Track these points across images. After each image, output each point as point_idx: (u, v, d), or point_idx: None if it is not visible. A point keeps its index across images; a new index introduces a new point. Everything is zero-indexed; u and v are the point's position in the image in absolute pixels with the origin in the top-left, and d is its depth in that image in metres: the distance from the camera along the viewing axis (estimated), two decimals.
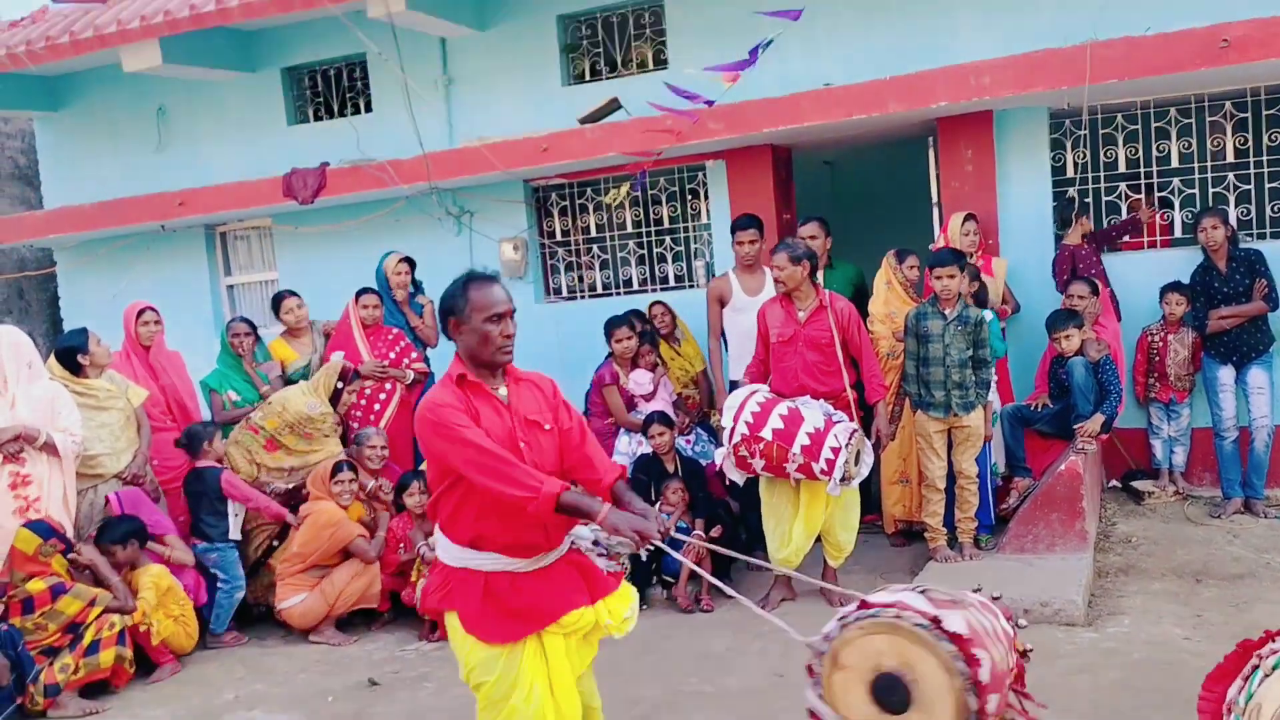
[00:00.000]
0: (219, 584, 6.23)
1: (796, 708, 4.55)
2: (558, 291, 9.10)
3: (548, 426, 3.33)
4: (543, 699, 3.27)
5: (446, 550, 3.34)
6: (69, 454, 5.79)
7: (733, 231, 6.74)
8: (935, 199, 7.95)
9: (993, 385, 6.30)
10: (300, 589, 6.16)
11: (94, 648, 5.36)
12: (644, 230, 8.77)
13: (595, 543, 3.32)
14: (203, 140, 9.91)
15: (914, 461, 6.39)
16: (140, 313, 6.91)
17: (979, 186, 7.45)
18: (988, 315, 6.55)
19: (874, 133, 7.84)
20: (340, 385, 6.77)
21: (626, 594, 3.49)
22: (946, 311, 5.98)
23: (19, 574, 5.41)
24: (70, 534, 5.67)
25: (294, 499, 6.51)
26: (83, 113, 10.35)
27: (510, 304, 3.33)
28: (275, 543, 6.50)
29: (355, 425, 6.99)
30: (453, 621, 3.30)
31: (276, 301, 7.50)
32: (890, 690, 2.66)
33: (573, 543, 3.36)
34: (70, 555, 5.54)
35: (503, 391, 3.33)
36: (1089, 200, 7.48)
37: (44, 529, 5.51)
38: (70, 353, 6.25)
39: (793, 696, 4.69)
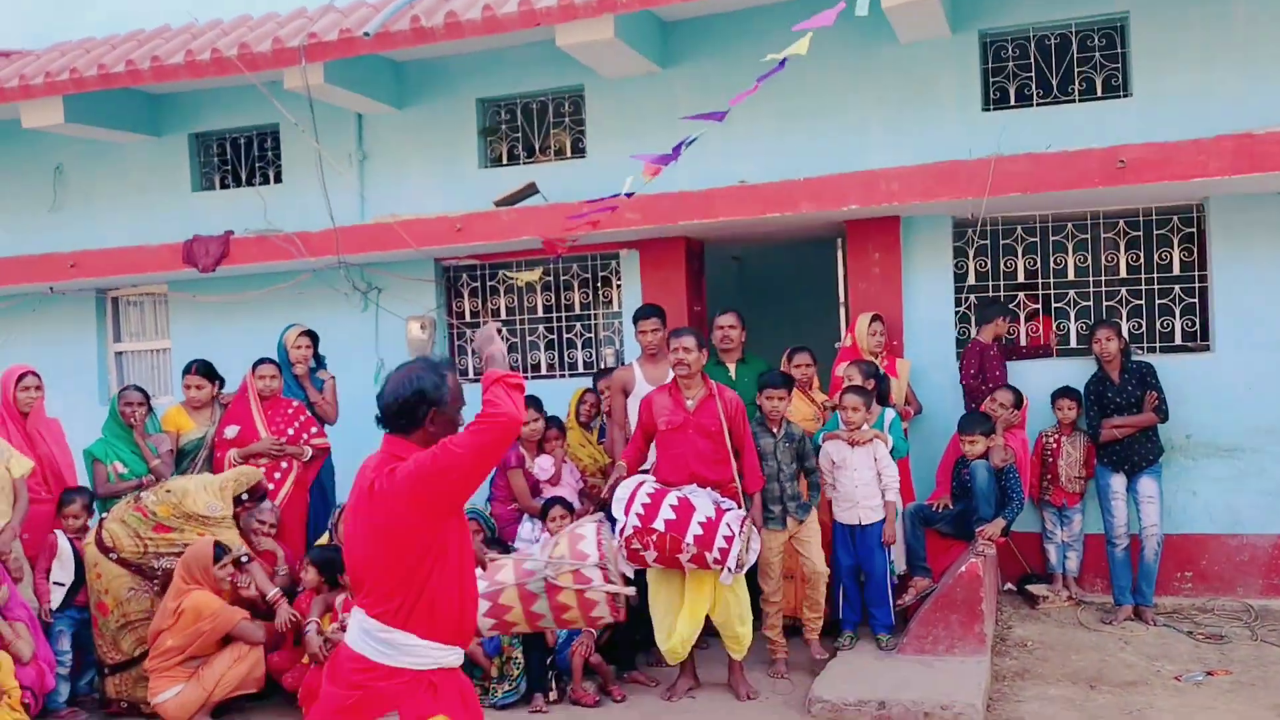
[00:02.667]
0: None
1: None
2: (464, 373, 8.96)
3: None
4: None
5: (418, 650, 3.08)
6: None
7: (635, 321, 6.76)
8: (843, 298, 8.11)
9: (897, 484, 6.37)
10: (176, 680, 5.76)
11: None
12: (554, 315, 8.73)
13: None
14: (100, 202, 9.61)
15: (796, 559, 6.41)
16: (20, 377, 6.60)
17: (885, 288, 7.63)
18: (890, 414, 6.67)
19: (786, 231, 8.00)
20: (244, 497, 6.41)
21: None
22: (775, 430, 6.21)
23: None
24: None
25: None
26: None
27: None
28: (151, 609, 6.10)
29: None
30: None
31: (189, 369, 7.11)
32: None
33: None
34: None
35: None
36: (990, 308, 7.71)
37: None
38: None
39: None
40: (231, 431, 6.84)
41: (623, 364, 7.83)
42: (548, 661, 6.01)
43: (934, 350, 7.62)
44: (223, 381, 7.21)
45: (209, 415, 7.10)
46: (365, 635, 3.08)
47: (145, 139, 9.31)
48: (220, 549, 5.93)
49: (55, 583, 6.22)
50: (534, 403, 6.83)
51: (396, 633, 3.03)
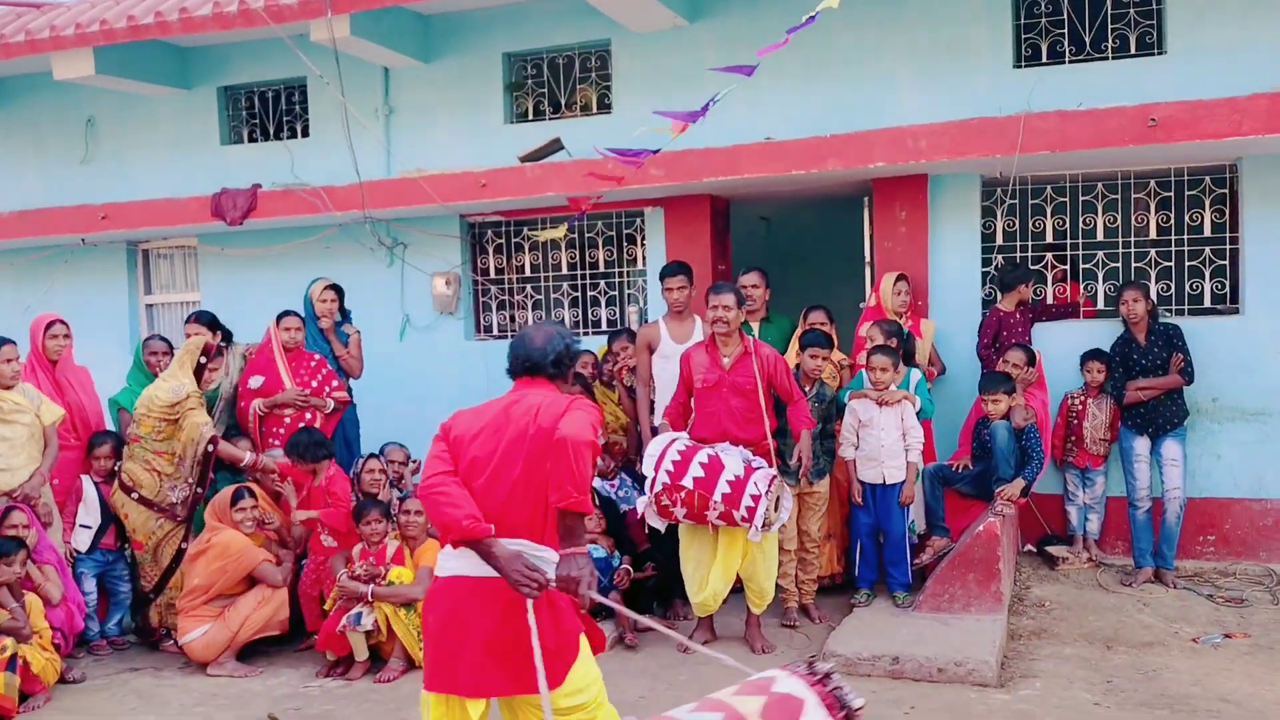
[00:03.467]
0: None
1: None
2: (488, 329, 9.01)
3: None
4: None
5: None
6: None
7: (661, 278, 6.75)
8: (868, 258, 8.06)
9: (920, 445, 6.37)
10: (203, 620, 5.92)
11: None
12: (579, 273, 8.74)
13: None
14: (131, 154, 9.69)
15: (837, 517, 6.42)
16: (49, 325, 6.67)
17: (911, 248, 7.57)
18: (916, 374, 6.65)
19: (811, 189, 7.94)
20: (204, 361, 6.51)
21: None
22: (806, 389, 6.24)
23: None
24: None
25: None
26: (7, 119, 10.07)
27: None
28: (184, 545, 6.28)
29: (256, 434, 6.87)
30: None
31: (189, 319, 7.19)
32: None
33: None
34: None
35: None
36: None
37: None
38: None
39: None
40: (256, 382, 6.91)
41: (646, 322, 7.84)
42: None
43: (959, 311, 7.56)
44: (229, 334, 7.21)
45: (225, 367, 7.08)
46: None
47: (175, 91, 9.35)
48: (239, 493, 6.04)
49: (82, 525, 6.37)
50: None
51: (545, 550, 3.35)
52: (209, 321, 7.15)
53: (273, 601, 5.99)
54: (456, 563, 3.38)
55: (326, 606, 5.99)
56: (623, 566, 6.23)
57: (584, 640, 3.50)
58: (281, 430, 6.91)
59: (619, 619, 6.11)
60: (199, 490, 6.33)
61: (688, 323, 6.62)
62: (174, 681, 5.85)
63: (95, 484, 6.46)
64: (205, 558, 5.91)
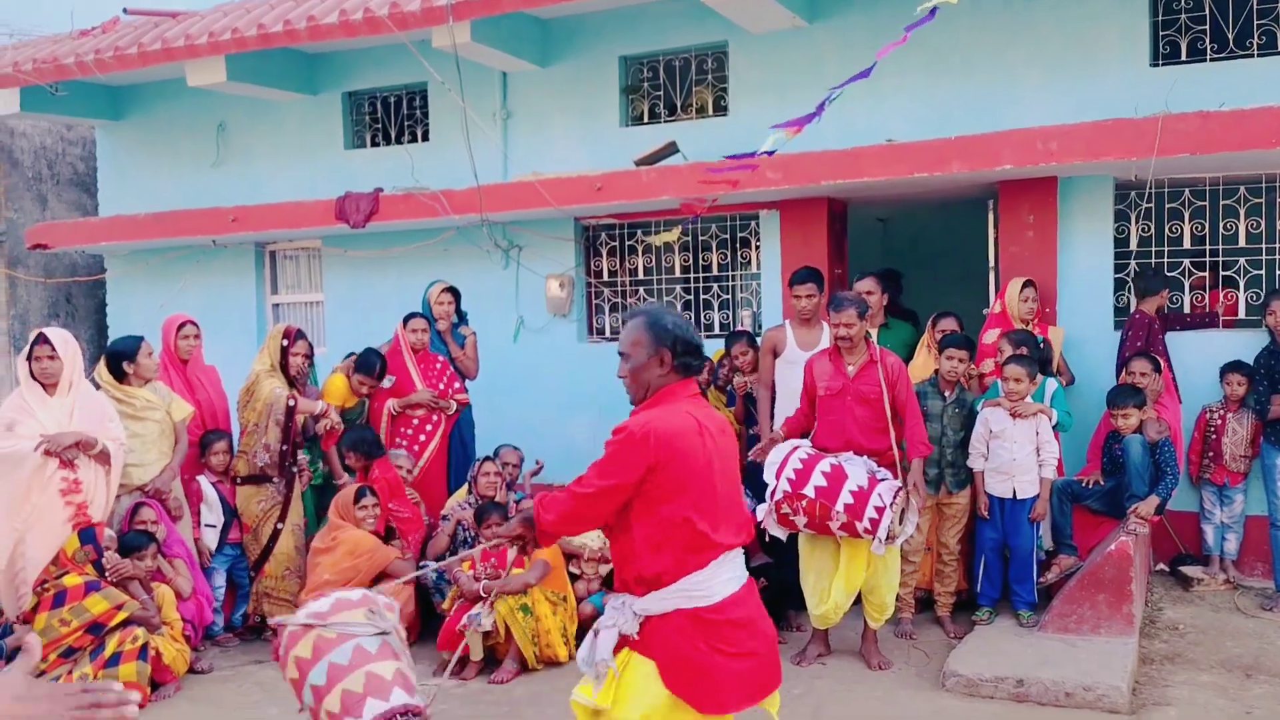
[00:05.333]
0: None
1: None
2: (600, 331, 9.03)
3: None
4: None
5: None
6: (118, 463, 5.77)
7: (791, 284, 6.60)
8: (993, 263, 7.82)
9: (1055, 460, 6.16)
10: None
11: (115, 660, 5.29)
12: (691, 276, 8.69)
13: None
14: (259, 159, 10.00)
15: (936, 530, 6.31)
16: (180, 326, 6.89)
17: (1039, 252, 7.31)
18: (1051, 384, 6.42)
19: (934, 191, 7.74)
20: (285, 344, 6.74)
21: None
22: (946, 394, 6.15)
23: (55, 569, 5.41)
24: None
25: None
26: (144, 124, 10.49)
27: (619, 345, 3.38)
28: (280, 524, 6.54)
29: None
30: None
31: (367, 370, 6.98)
32: None
33: None
34: (102, 564, 5.49)
35: None
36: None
37: (86, 533, 5.51)
38: (118, 358, 6.25)
39: None
40: (388, 382, 7.05)
41: (760, 326, 7.74)
42: None
43: (1089, 319, 7.27)
44: (384, 374, 7.10)
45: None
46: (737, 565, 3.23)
47: (302, 97, 9.62)
48: (361, 491, 6.17)
49: (207, 525, 6.58)
50: None
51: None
52: (381, 375, 7.02)
53: (400, 595, 6.10)
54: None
55: (446, 606, 6.07)
56: None
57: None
58: (409, 430, 7.05)
59: None
60: (284, 448, 6.53)
61: (815, 329, 6.49)
62: None
63: (212, 483, 6.66)
64: (333, 555, 6.06)
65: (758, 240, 8.37)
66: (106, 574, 5.49)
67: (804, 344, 6.42)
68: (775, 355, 6.54)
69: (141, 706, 5.41)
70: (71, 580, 5.33)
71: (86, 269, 11.20)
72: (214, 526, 6.60)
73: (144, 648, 5.39)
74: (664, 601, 3.10)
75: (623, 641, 3.17)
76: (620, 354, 3.33)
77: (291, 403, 6.57)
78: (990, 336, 6.84)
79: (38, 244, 10.16)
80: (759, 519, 5.79)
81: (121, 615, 5.37)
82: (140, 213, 9.91)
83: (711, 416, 3.29)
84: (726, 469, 3.26)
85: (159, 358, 6.52)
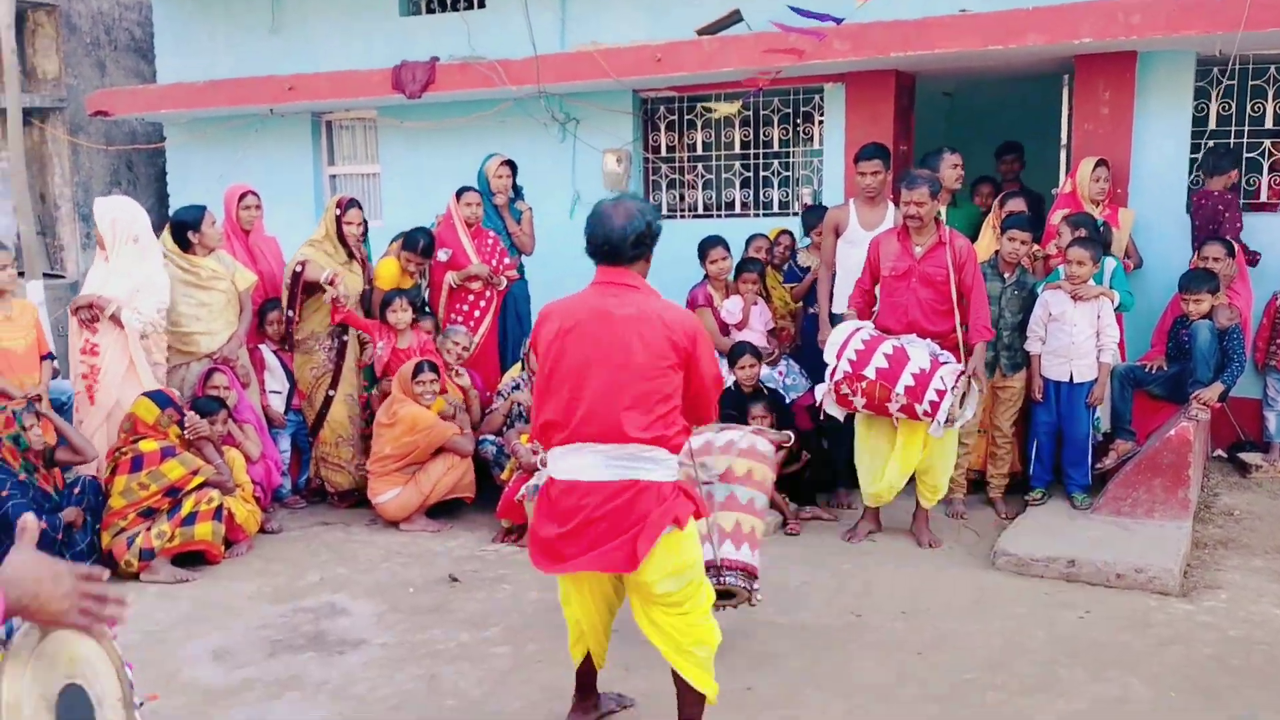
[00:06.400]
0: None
1: (873, 649, 4.51)
2: (657, 208, 8.93)
3: None
4: None
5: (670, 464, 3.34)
6: (133, 330, 5.86)
7: (856, 160, 6.44)
8: (1065, 141, 7.58)
9: (1115, 345, 6.07)
10: (394, 484, 6.28)
11: (191, 519, 5.51)
12: (751, 152, 8.54)
13: None
14: (315, 26, 9.87)
15: (990, 413, 6.29)
16: (242, 196, 6.92)
17: (1113, 131, 7.07)
18: (1110, 265, 6.29)
19: (1006, 65, 7.47)
20: (338, 214, 6.79)
21: None
22: (1006, 275, 6.05)
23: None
24: None
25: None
26: None
27: None
28: (331, 391, 6.72)
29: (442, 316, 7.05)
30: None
31: (412, 246, 6.93)
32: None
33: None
34: (184, 424, 5.68)
35: None
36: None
37: (163, 399, 5.69)
38: (182, 228, 6.32)
39: (868, 637, 4.65)
40: (444, 255, 7.06)
41: (821, 204, 7.62)
42: None
43: (1162, 200, 7.07)
44: (431, 251, 7.09)
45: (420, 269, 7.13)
46: (626, 459, 3.26)
47: None
48: (420, 366, 6.27)
49: (272, 391, 6.75)
50: (721, 242, 6.76)
51: (657, 450, 3.27)
52: (427, 252, 6.98)
53: (459, 468, 6.32)
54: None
55: (505, 476, 6.21)
56: (775, 458, 6.19)
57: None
58: (465, 307, 7.10)
59: (781, 506, 6.14)
60: (290, 314, 6.70)
61: (880, 208, 6.34)
62: (361, 537, 6.21)
63: (273, 351, 6.80)
64: (394, 430, 6.21)
65: (821, 115, 8.17)
66: (186, 433, 5.67)
67: (867, 223, 6.30)
68: (837, 235, 6.44)
69: (216, 563, 5.67)
70: (147, 446, 5.52)
71: (146, 137, 11.26)
72: (279, 393, 6.78)
73: (219, 509, 5.61)
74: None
75: (685, 510, 3.41)
76: None
77: (298, 269, 6.60)
78: (1058, 217, 6.68)
79: (98, 111, 10.20)
80: (817, 399, 5.82)
81: (197, 480, 5.58)
82: (198, 80, 9.88)
83: (648, 314, 3.28)
84: (611, 361, 3.25)
85: (222, 227, 6.59)
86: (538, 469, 5.82)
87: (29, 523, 1.77)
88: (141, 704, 1.98)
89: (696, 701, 3.44)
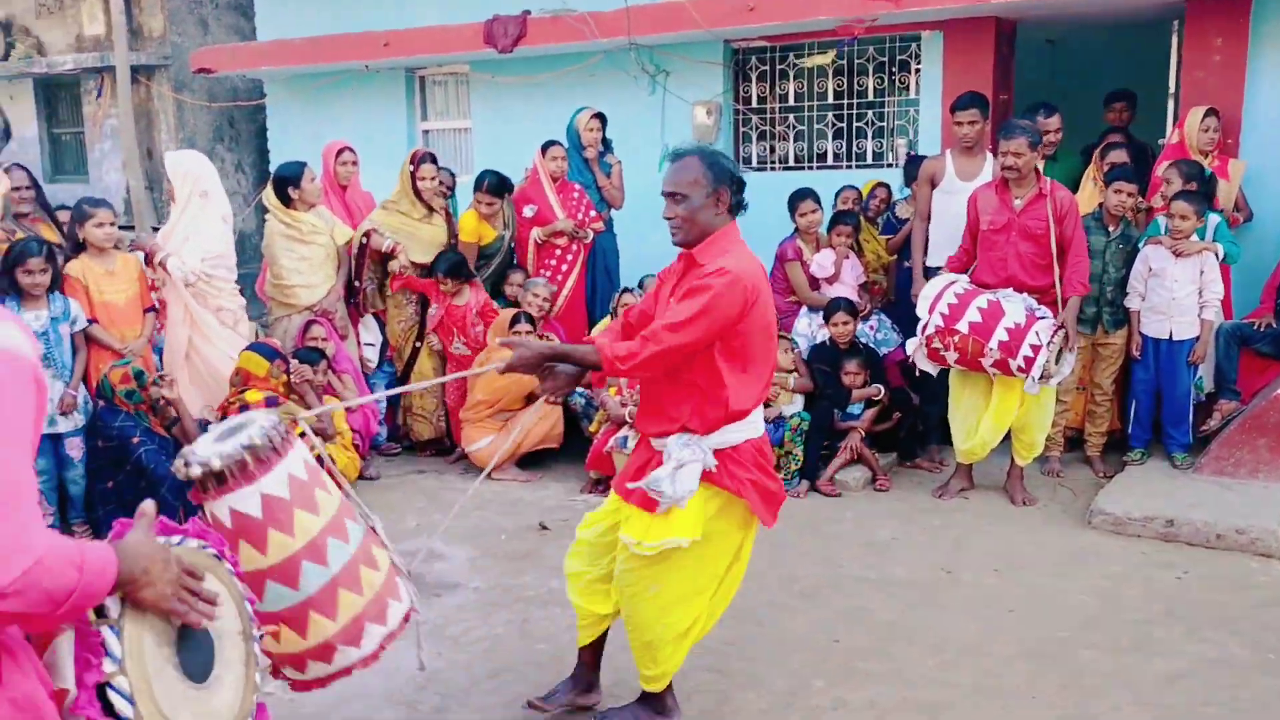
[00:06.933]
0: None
1: (964, 605, 4.49)
2: (747, 161, 8.88)
3: None
4: None
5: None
6: (177, 277, 5.94)
7: (953, 110, 6.29)
8: (1172, 90, 7.30)
9: (1218, 302, 5.88)
10: (487, 432, 6.44)
11: None
12: (845, 102, 8.40)
13: None
14: None
15: (1090, 370, 6.15)
16: (339, 152, 7.05)
17: (1224, 80, 6.78)
18: (1214, 219, 6.07)
19: (1111, 10, 7.20)
20: (412, 170, 6.83)
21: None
22: (1110, 229, 5.88)
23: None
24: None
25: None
26: None
27: (670, 185, 3.22)
28: (418, 344, 6.87)
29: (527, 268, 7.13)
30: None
31: (479, 186, 7.08)
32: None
33: None
34: (290, 372, 5.89)
35: None
36: None
37: (269, 351, 5.89)
38: (283, 183, 6.48)
39: (959, 593, 4.63)
40: (529, 211, 7.13)
41: (916, 154, 7.47)
42: (821, 453, 6.13)
43: (1274, 152, 6.76)
44: (511, 189, 7.20)
45: (502, 217, 7.20)
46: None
47: None
48: (517, 317, 6.36)
49: (367, 344, 6.93)
50: (811, 195, 6.69)
51: None
52: (497, 191, 7.07)
53: (550, 417, 6.43)
54: None
55: (593, 429, 6.30)
56: (867, 413, 6.18)
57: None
58: (552, 261, 7.16)
59: (869, 465, 6.13)
60: (355, 282, 6.79)
61: (977, 159, 6.19)
62: (455, 485, 6.37)
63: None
64: (485, 376, 6.33)
65: (918, 64, 8.00)
66: (291, 377, 5.88)
67: (964, 174, 6.16)
68: (933, 185, 6.31)
69: None
70: (253, 396, 5.72)
71: (247, 94, 11.53)
72: (373, 345, 6.95)
73: (319, 457, 5.77)
74: (738, 434, 3.22)
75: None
76: (670, 195, 3.20)
77: (364, 240, 6.71)
78: (1162, 170, 6.45)
79: (201, 68, 10.47)
80: (908, 353, 5.76)
81: (300, 428, 5.75)
82: (296, 37, 10.06)
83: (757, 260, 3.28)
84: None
85: (320, 183, 6.73)
86: (626, 422, 5.93)
87: (148, 509, 1.84)
88: (261, 637, 2.07)
89: None
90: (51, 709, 1.64)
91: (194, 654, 1.82)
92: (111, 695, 1.66)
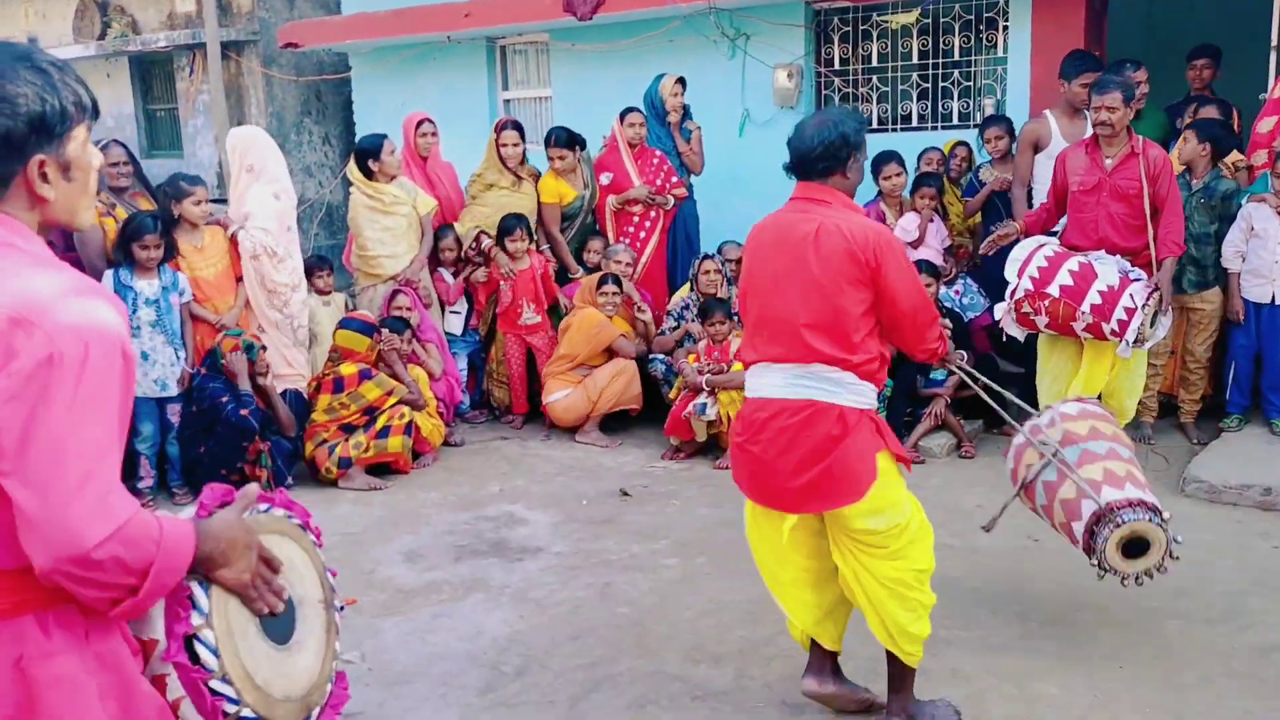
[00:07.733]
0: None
1: (1049, 573, 4.42)
2: (863, 118, 8.71)
3: None
4: None
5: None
6: (245, 250, 6.03)
7: (1068, 75, 6.08)
8: (1275, 42, 6.99)
9: None
10: (565, 385, 6.60)
11: (384, 433, 5.90)
12: (930, 62, 8.22)
13: None
14: None
15: (1183, 335, 5.99)
16: (419, 124, 7.13)
17: None
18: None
19: None
20: (495, 138, 7.08)
21: None
22: (1193, 183, 5.68)
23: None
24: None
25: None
26: None
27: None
28: (497, 310, 7.03)
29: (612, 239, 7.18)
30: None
31: (549, 141, 7.21)
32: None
33: None
34: (382, 342, 6.03)
35: None
36: None
37: (365, 327, 6.04)
38: (364, 156, 6.60)
39: (1046, 560, 4.55)
40: (605, 178, 7.15)
41: (1003, 115, 7.29)
42: (905, 419, 6.07)
43: None
44: (584, 143, 7.27)
45: (581, 177, 7.26)
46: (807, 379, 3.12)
47: None
48: (604, 279, 6.48)
49: (452, 312, 7.04)
50: (895, 157, 6.58)
51: (842, 373, 3.10)
52: (568, 143, 7.14)
53: (625, 374, 6.53)
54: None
55: (672, 395, 6.33)
56: (950, 380, 6.08)
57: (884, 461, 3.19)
58: (630, 228, 7.18)
59: (954, 431, 6.05)
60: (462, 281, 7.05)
61: (1081, 121, 5.97)
62: (537, 451, 6.47)
63: (450, 273, 7.04)
64: (570, 330, 6.58)
65: (1005, 21, 7.78)
66: (381, 347, 6.03)
67: (1069, 135, 5.92)
68: (1036, 150, 6.12)
69: (405, 473, 6.02)
70: (348, 369, 5.92)
71: (333, 67, 11.70)
72: (458, 314, 7.06)
73: (409, 425, 5.95)
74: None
75: (873, 445, 3.19)
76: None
77: (480, 244, 6.95)
78: (1266, 125, 6.20)
79: (288, 43, 10.66)
80: (996, 318, 5.64)
81: (392, 400, 5.94)
82: (379, 10, 10.17)
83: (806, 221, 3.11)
84: (791, 277, 3.11)
85: (401, 155, 6.83)
86: (702, 389, 5.95)
87: (250, 492, 1.88)
88: (342, 608, 2.12)
89: (901, 674, 3.28)
90: (134, 665, 1.69)
91: (277, 618, 1.86)
92: (198, 647, 1.71)
